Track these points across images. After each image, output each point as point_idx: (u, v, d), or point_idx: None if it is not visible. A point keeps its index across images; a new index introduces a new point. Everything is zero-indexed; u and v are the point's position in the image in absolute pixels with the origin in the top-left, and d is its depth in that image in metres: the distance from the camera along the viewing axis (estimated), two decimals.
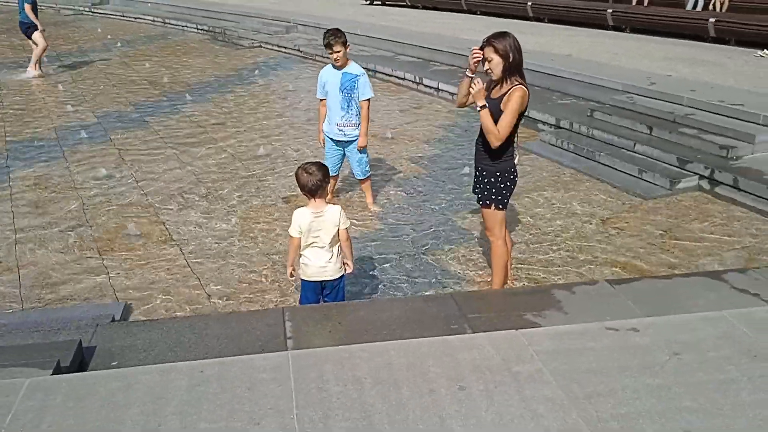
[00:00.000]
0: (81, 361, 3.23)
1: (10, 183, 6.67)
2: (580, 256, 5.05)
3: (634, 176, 6.70)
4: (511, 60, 3.89)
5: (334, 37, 5.39)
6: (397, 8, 20.86)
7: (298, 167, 3.72)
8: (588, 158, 7.27)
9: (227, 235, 5.46)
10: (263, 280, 4.72)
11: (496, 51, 3.90)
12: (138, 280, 4.72)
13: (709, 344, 2.85)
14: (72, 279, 4.75)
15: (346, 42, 5.47)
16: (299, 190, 3.74)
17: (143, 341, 3.49)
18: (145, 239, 5.39)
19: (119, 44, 15.84)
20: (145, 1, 22.77)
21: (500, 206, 4.17)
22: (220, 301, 4.44)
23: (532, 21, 16.73)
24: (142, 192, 6.43)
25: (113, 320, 4.02)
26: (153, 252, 5.17)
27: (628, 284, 4.09)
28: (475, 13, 18.74)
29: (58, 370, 2.89)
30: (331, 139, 5.83)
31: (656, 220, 5.73)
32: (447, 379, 2.56)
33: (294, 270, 3.89)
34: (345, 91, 5.56)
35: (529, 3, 17.15)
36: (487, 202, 4.19)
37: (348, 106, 5.61)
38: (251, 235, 5.47)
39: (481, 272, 4.80)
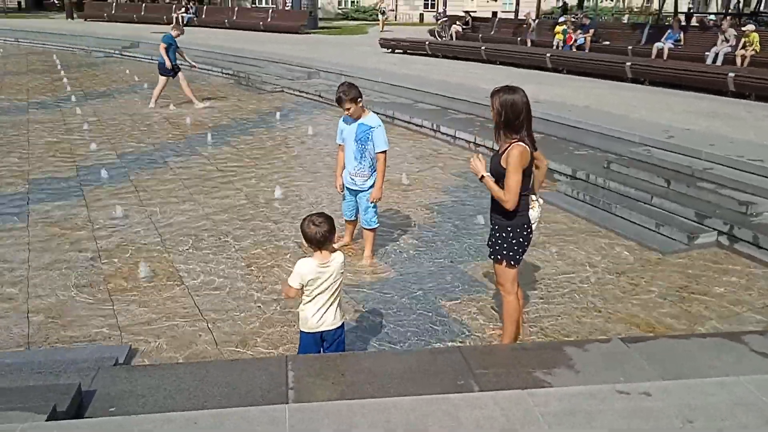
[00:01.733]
0: (80, 405, 3.18)
1: (29, 220, 6.75)
2: (593, 311, 4.94)
3: (651, 230, 6.59)
4: (503, 117, 3.89)
5: (344, 94, 5.39)
6: (418, 57, 21.20)
7: (304, 218, 3.64)
8: (604, 210, 7.19)
9: (238, 279, 5.44)
10: (271, 328, 4.66)
11: (492, 105, 3.93)
12: (145, 322, 4.70)
13: (724, 411, 2.72)
14: (80, 319, 4.74)
15: (357, 98, 5.43)
16: (305, 242, 3.63)
17: (143, 387, 3.43)
18: (155, 281, 5.38)
19: (145, 86, 16.21)
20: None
21: (511, 262, 4.10)
22: (226, 346, 4.39)
23: (550, 72, 16.88)
24: (156, 233, 6.46)
25: (116, 363, 3.99)
26: (162, 294, 5.16)
27: (642, 343, 3.97)
28: (494, 62, 18.97)
29: (53, 415, 2.84)
30: (345, 185, 5.87)
31: (673, 275, 5.60)
32: None
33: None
34: (359, 141, 5.58)
35: (548, 55, 17.34)
36: (498, 257, 4.13)
37: (361, 157, 5.61)
38: (262, 279, 5.45)
39: (491, 325, 4.70)
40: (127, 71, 18.92)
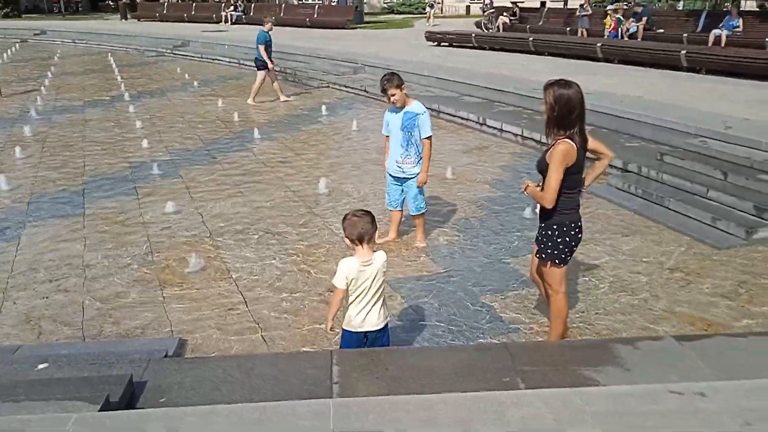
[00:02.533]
0: (131, 396, 3.27)
1: (84, 215, 6.98)
2: (645, 308, 4.79)
3: (707, 224, 6.35)
4: (555, 112, 3.79)
5: (388, 82, 5.56)
6: (464, 50, 20.99)
7: (346, 214, 3.64)
8: (657, 204, 6.97)
9: (284, 273, 5.49)
10: (316, 321, 4.69)
11: (545, 99, 3.83)
12: (194, 315, 4.79)
13: None
14: (132, 311, 4.87)
15: (401, 84, 5.58)
16: (346, 238, 3.61)
17: (191, 379, 3.51)
18: (204, 274, 5.49)
19: (196, 84, 16.57)
20: (223, 43, 23.84)
21: (557, 261, 3.99)
22: (272, 340, 4.44)
23: (601, 62, 16.46)
24: (205, 228, 6.59)
25: (166, 355, 4.08)
26: (211, 287, 5.25)
27: (697, 341, 3.83)
28: (542, 54, 18.62)
29: (106, 405, 2.92)
30: (390, 174, 5.92)
31: (730, 271, 5.38)
32: None
33: (334, 323, 3.76)
34: (405, 129, 5.67)
35: (599, 44, 16.91)
36: (543, 255, 4.04)
37: (408, 144, 5.71)
38: (308, 273, 5.49)
39: (537, 321, 4.61)
40: (178, 70, 19.37)
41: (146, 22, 38.24)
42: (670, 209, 6.80)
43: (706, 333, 4.25)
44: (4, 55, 23.39)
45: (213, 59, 21.87)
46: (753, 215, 6.28)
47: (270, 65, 13.53)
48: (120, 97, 14.69)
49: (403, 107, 5.66)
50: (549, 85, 3.85)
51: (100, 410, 2.84)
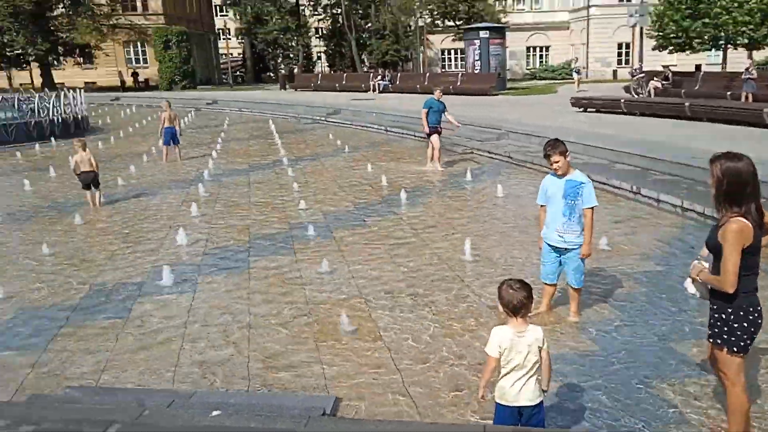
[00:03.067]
0: None
1: (249, 273, 7.55)
2: None
3: None
4: (724, 187, 3.57)
5: (552, 147, 5.51)
6: (613, 115, 20.46)
7: (502, 283, 3.64)
8: None
9: (433, 340, 5.55)
10: (467, 392, 4.66)
11: (711, 173, 3.64)
12: (348, 375, 4.97)
13: None
14: (292, 366, 5.14)
15: (565, 151, 5.54)
16: (501, 307, 3.60)
17: None
18: (357, 335, 5.69)
19: (347, 149, 17.54)
20: (371, 111, 25.15)
21: (734, 349, 3.66)
22: (423, 409, 4.47)
23: (767, 128, 15.29)
24: (357, 289, 6.86)
25: (324, 413, 4.26)
26: (363, 349, 5.42)
27: None
28: (700, 119, 17.67)
29: None
30: (549, 245, 5.82)
31: None
32: None
33: (486, 392, 3.71)
34: (568, 198, 5.59)
35: (765, 110, 15.75)
36: (719, 341, 3.72)
37: (570, 214, 5.61)
38: (455, 340, 5.51)
39: (710, 416, 4.24)
40: (330, 136, 20.63)
41: (302, 92, 41.37)
42: None
43: None
44: (182, 122, 26.31)
45: (362, 126, 23.09)
46: None
47: (425, 129, 13.90)
48: (279, 161, 15.89)
49: (564, 175, 5.61)
50: (716, 158, 3.66)
51: None
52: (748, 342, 3.68)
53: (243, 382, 4.95)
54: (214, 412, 4.07)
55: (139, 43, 55.60)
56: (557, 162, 5.51)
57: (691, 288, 3.92)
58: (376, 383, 4.82)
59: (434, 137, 13.87)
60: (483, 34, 35.93)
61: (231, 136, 21.81)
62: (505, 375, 3.59)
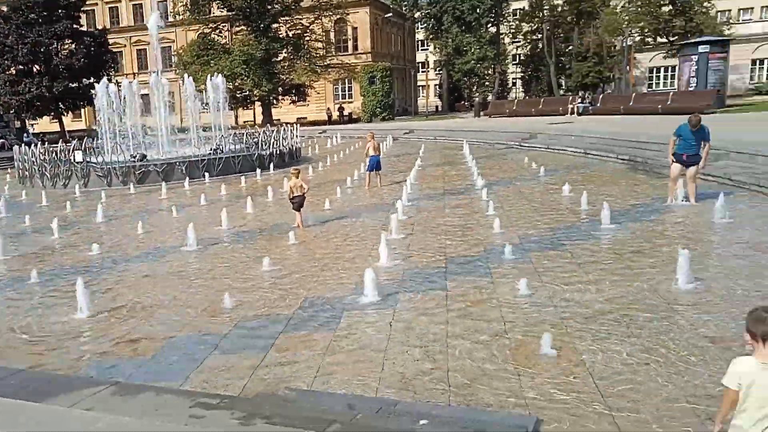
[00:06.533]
0: None
1: (447, 292, 7.73)
2: None
3: None
4: None
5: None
6: None
7: (755, 308, 3.35)
8: None
9: (641, 369, 5.22)
10: (684, 426, 4.32)
11: None
12: (549, 397, 4.86)
13: None
14: (490, 385, 5.17)
15: None
16: (747, 333, 3.31)
17: None
18: (557, 360, 5.55)
19: (542, 173, 17.22)
20: (569, 134, 24.43)
21: None
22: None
23: None
24: (556, 312, 6.69)
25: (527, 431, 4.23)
26: (563, 373, 5.27)
27: None
28: None
29: None
30: None
31: None
32: None
33: (722, 427, 3.41)
34: None
35: None
36: None
37: None
38: (669, 373, 5.12)
39: None
40: (526, 160, 20.41)
41: (497, 118, 41.49)
42: None
43: None
44: (382, 150, 27.84)
45: (559, 150, 22.52)
46: None
47: (670, 159, 11.92)
48: (472, 186, 16.09)
49: None
50: None
51: None
52: None
53: (443, 395, 5.08)
54: (422, 422, 4.26)
55: (346, 80, 59.99)
56: None
57: None
58: (577, 409, 4.66)
59: (674, 167, 11.94)
60: (702, 48, 33.28)
61: (427, 163, 22.55)
62: (744, 412, 3.27)
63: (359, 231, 11.91)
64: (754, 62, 50.19)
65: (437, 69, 69.53)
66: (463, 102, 68.48)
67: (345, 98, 60.73)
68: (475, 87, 64.73)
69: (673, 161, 11.86)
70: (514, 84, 70.14)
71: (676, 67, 39.99)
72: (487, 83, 63.10)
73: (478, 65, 56.10)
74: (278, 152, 25.10)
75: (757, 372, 3.18)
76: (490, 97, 59.90)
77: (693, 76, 33.54)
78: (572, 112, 36.68)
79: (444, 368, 5.57)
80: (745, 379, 3.20)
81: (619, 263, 8.37)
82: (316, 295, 8.01)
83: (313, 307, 7.56)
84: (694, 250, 8.67)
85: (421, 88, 69.60)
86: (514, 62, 66.75)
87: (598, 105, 37.35)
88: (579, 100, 37.82)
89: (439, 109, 65.56)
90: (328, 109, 57.10)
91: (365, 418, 4.16)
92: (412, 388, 5.27)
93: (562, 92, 54.92)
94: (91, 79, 40.94)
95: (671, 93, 34.55)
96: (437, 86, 72.66)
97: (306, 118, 57.49)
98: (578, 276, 7.92)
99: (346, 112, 56.49)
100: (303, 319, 7.15)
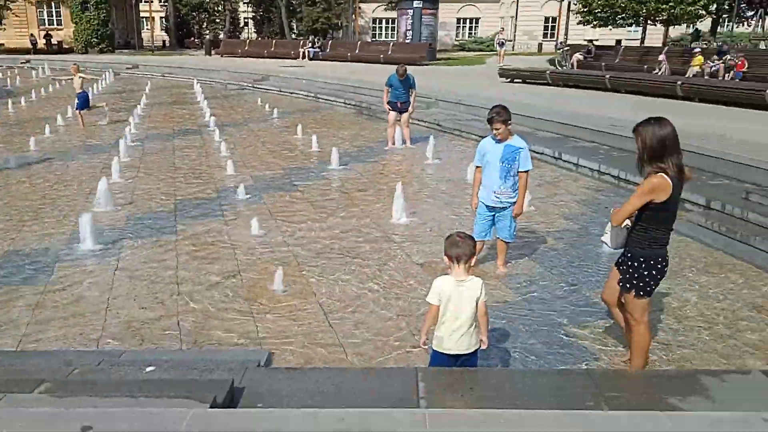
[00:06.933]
0: (231, 399, 3.51)
1: (177, 236, 7.43)
2: (729, 345, 4.70)
3: None
4: (647, 150, 3.87)
5: (497, 115, 5.75)
6: (538, 86, 21.07)
7: (450, 234, 3.81)
8: (742, 242, 6.80)
9: (364, 295, 5.69)
10: (397, 341, 4.84)
11: (637, 138, 3.92)
12: (282, 331, 5.04)
13: None
14: (224, 325, 5.16)
15: (508, 120, 5.79)
16: (445, 256, 3.77)
17: (286, 387, 3.72)
18: (289, 294, 5.76)
19: (275, 115, 17.31)
20: (301, 78, 24.83)
21: (641, 293, 4.03)
22: (356, 358, 4.62)
23: (680, 100, 16.17)
24: (289, 250, 6.90)
25: (259, 365, 4.33)
26: (296, 306, 5.50)
27: None
28: (618, 91, 18.47)
29: (214, 405, 3.16)
30: (485, 205, 6.09)
31: None
32: None
33: (427, 338, 3.89)
34: (505, 162, 5.88)
35: (679, 83, 16.66)
36: (627, 286, 4.09)
37: (506, 176, 5.92)
38: (388, 297, 5.67)
39: (617, 352, 4.60)
40: (259, 101, 20.27)
41: (229, 58, 40.20)
42: (756, 248, 6.62)
43: None
44: (101, 86, 25.12)
45: (291, 93, 22.78)
46: None
47: (386, 107, 12.81)
48: (205, 127, 15.52)
49: (503, 140, 5.86)
50: (640, 124, 3.94)
51: (210, 408, 3.08)
52: (653, 287, 4.03)
53: (174, 341, 4.93)
54: (148, 368, 4.07)
55: (53, 3, 52.25)
56: (498, 129, 5.78)
57: (606, 239, 4.22)
58: (309, 339, 4.92)
59: (390, 114, 12.83)
60: (416, 3, 35.95)
61: (153, 102, 21.04)
62: (444, 324, 3.74)
63: (75, 174, 10.71)
64: (459, 21, 56.29)
65: (162, 1, 64.35)
66: (193, 39, 64.69)
67: (53, 24, 53.02)
68: (205, 24, 61.52)
69: (389, 109, 12.87)
70: (246, 24, 68.26)
71: (396, 20, 42.87)
72: (218, 20, 60.33)
73: (207, 0, 53.26)
74: None
75: (453, 289, 3.68)
76: (221, 36, 57.64)
77: (409, 30, 36.35)
78: (303, 56, 37.22)
79: (174, 313, 5.39)
80: (444, 295, 3.69)
81: (346, 201, 8.91)
82: (18, 248, 7.04)
83: (15, 260, 6.65)
84: (410, 187, 9.63)
85: (145, 20, 63.78)
86: (245, 1, 64.80)
87: (328, 50, 38.48)
88: (310, 45, 38.45)
89: (167, 44, 61.03)
90: (32, 35, 49.26)
91: (83, 373, 3.85)
92: (140, 336, 5.01)
93: (293, 36, 55.20)
94: None
95: (391, 44, 37.12)
96: (163, 19, 67.35)
97: (3, 44, 49.01)
98: (309, 215, 8.24)
99: (54, 41, 49.40)
100: (6, 272, 6.27)
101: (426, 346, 3.97)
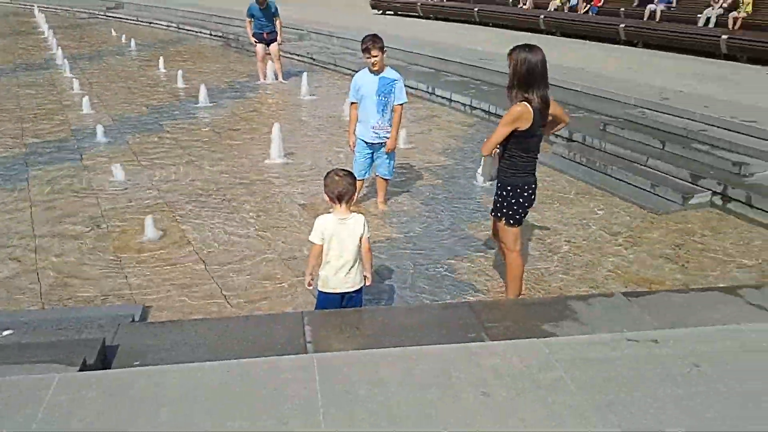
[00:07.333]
0: (104, 359, 3.28)
1: (29, 184, 6.74)
2: (593, 269, 5.08)
3: (647, 191, 6.72)
4: (517, 76, 3.95)
5: (373, 42, 5.58)
6: (409, 18, 21.00)
7: (329, 171, 3.72)
8: (600, 172, 7.30)
9: (243, 241, 5.50)
10: (281, 285, 4.75)
11: (509, 63, 4.01)
12: (156, 283, 4.77)
13: (729, 356, 2.88)
14: (90, 280, 4.80)
15: (384, 47, 5.65)
16: (326, 195, 3.70)
17: (165, 342, 3.53)
18: (162, 242, 5.44)
19: (133, 47, 15.98)
20: (159, 6, 22.98)
21: (510, 221, 4.20)
22: (238, 306, 4.48)
23: (543, 34, 16.81)
24: (159, 196, 6.49)
25: (133, 320, 4.08)
26: (170, 255, 5.22)
27: (643, 297, 4.12)
28: (487, 24, 18.85)
29: (84, 367, 2.93)
30: (364, 141, 5.96)
31: (669, 235, 5.75)
32: (471, 385, 2.59)
33: (312, 279, 3.86)
34: (382, 95, 5.75)
35: (542, 16, 17.25)
36: (498, 215, 4.27)
37: (383, 110, 5.80)
38: (267, 240, 5.52)
39: (495, 283, 4.83)
40: (113, 32, 18.60)
41: None
42: (612, 177, 7.14)
43: (651, 290, 4.56)
44: None
45: (149, 22, 21.11)
46: (689, 182, 6.68)
47: (252, 40, 12.19)
48: (53, 60, 14.03)
49: (379, 72, 5.71)
50: (514, 49, 4.01)
51: (79, 371, 2.85)
52: (522, 215, 4.22)
53: (35, 299, 4.52)
54: (5, 332, 3.70)
55: None
56: (376, 57, 5.59)
57: (479, 174, 4.34)
58: (188, 289, 4.69)
59: (258, 47, 12.25)
60: None
61: None
62: (328, 263, 3.70)
63: None
64: None
65: None
66: None
67: None
68: None
69: (255, 42, 12.18)
70: None
71: None
72: None
73: None
74: None
75: (335, 227, 3.63)
76: None
77: None
78: None
79: (32, 269, 4.93)
80: (327, 233, 3.63)
81: (219, 141, 8.49)
82: None
83: None
84: (286, 125, 9.34)
85: None
86: None
87: None
88: None
89: None
90: None
91: None
92: None
93: None
94: None
95: None
96: None
97: None
98: (179, 157, 7.77)
99: None
100: None
101: (311, 287, 3.91)
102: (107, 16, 22.96)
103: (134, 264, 5.05)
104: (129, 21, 21.80)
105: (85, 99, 10.04)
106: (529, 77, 3.93)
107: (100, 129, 8.52)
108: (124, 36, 17.51)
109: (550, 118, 4.15)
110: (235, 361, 2.79)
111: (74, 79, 11.80)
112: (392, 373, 2.67)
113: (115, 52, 15.53)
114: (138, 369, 2.81)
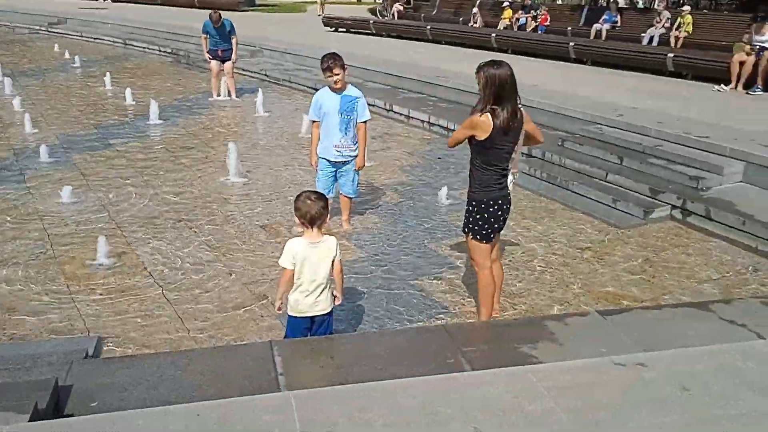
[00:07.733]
0: (57, 403, 3.00)
1: None
2: (562, 286, 5.03)
3: (608, 206, 6.77)
4: (487, 91, 3.94)
5: (334, 60, 5.48)
6: (363, 36, 20.99)
7: (299, 194, 3.57)
8: (561, 187, 7.33)
9: (202, 265, 5.24)
10: (245, 311, 4.53)
11: (478, 80, 4.00)
12: (110, 312, 4.47)
13: (717, 379, 2.83)
14: (38, 311, 4.46)
15: (345, 65, 5.54)
16: (297, 218, 3.55)
17: (123, 379, 3.28)
18: (115, 269, 5.13)
19: (78, 64, 15.41)
20: (105, 22, 22.33)
21: (476, 237, 4.13)
22: (200, 335, 4.23)
23: (495, 52, 17.03)
24: (110, 219, 6.16)
25: (87, 356, 3.79)
26: (124, 282, 4.92)
27: (618, 315, 4.09)
28: (439, 42, 18.99)
29: (36, 415, 2.66)
30: (326, 160, 5.83)
31: (634, 249, 5.78)
32: (460, 422, 2.45)
33: (282, 304, 3.68)
34: (344, 113, 5.65)
35: (494, 35, 17.49)
36: (465, 230, 4.21)
37: (347, 128, 5.70)
38: (227, 265, 5.28)
39: (466, 301, 4.72)
40: (57, 48, 17.92)
41: None
42: (574, 192, 7.17)
43: (626, 308, 4.53)
44: None
45: (94, 38, 20.47)
46: (649, 197, 6.76)
47: (207, 57, 11.95)
48: None
49: (341, 90, 5.61)
50: (481, 67, 3.99)
51: (30, 420, 2.58)
52: (489, 231, 4.12)
53: None
54: None
55: None
56: (338, 75, 5.50)
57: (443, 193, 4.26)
58: (146, 319, 4.41)
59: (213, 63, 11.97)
60: None
61: None
62: (299, 287, 3.55)
63: None
64: None
65: None
66: None
67: None
68: None
69: (210, 58, 11.93)
70: None
71: None
72: None
73: None
74: None
75: (306, 250, 3.48)
76: None
77: None
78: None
79: None
80: (299, 257, 3.47)
81: (172, 161, 8.17)
82: None
83: None
84: (242, 143, 9.09)
85: None
86: None
87: None
88: None
89: None
90: None
91: None
92: None
93: None
94: None
95: None
96: None
97: None
98: (131, 178, 7.43)
99: None
100: None
101: (280, 311, 3.72)
102: (49, 31, 22.15)
103: (86, 292, 4.74)
104: (73, 36, 21.09)
105: (27, 116, 9.55)
106: (500, 92, 3.90)
107: (44, 149, 8.09)
108: (67, 52, 16.85)
109: (523, 133, 4.11)
110: (207, 403, 2.57)
111: (16, 97, 11.23)
112: (376, 412, 2.50)
113: (58, 69, 14.93)
114: (99, 416, 2.55)
